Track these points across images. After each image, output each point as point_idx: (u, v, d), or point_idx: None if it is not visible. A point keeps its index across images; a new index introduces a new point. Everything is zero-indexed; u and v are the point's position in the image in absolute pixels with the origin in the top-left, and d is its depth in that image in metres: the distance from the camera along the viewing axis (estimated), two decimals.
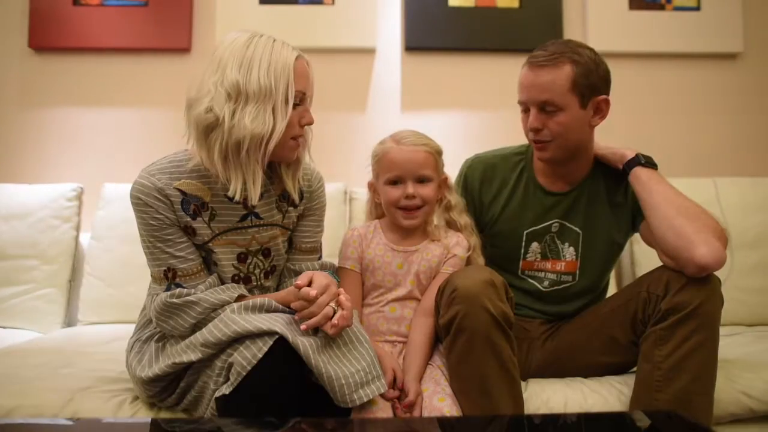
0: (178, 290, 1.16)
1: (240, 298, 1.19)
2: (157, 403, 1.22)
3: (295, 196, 1.29)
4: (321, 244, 1.39)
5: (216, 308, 1.15)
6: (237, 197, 1.16)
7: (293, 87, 1.14)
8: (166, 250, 1.17)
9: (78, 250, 1.99)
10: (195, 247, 1.21)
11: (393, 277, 1.39)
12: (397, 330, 1.39)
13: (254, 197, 1.17)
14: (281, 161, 1.24)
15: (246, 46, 1.14)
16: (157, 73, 2.24)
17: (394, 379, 1.24)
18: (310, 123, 1.21)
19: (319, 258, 1.38)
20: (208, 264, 1.24)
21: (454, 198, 1.44)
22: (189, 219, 1.18)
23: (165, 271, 1.18)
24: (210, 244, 1.21)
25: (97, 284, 1.92)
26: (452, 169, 1.49)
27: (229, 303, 1.16)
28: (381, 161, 1.39)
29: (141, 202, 1.16)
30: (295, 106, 1.16)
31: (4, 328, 1.86)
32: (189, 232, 1.20)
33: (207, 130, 1.13)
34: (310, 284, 1.12)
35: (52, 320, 1.90)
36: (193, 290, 1.17)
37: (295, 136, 1.19)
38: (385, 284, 1.40)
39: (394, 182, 1.37)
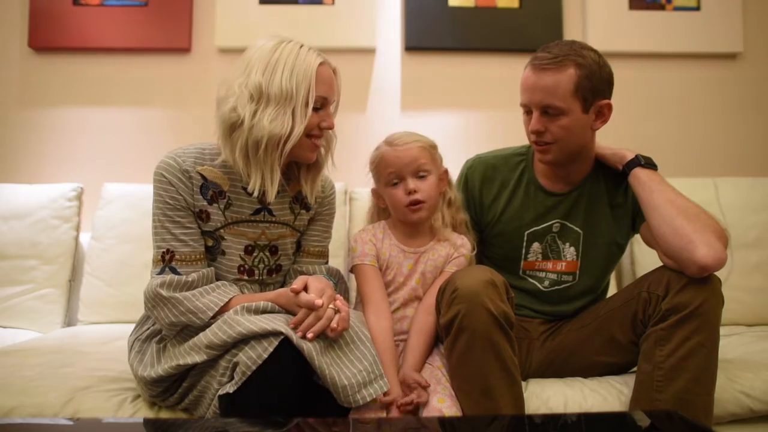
0: (168, 278, 1.17)
1: (230, 302, 1.18)
2: (158, 403, 1.23)
3: (312, 200, 1.32)
4: (328, 250, 1.41)
5: (197, 312, 1.15)
6: (255, 193, 1.20)
7: (314, 92, 1.18)
8: (172, 231, 1.20)
9: (78, 250, 1.99)
10: (202, 237, 1.23)
11: (402, 277, 1.40)
12: (399, 329, 1.39)
13: (271, 195, 1.20)
14: (301, 161, 1.27)
15: (273, 51, 1.18)
16: (157, 73, 2.24)
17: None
18: (330, 127, 1.25)
19: (326, 263, 1.40)
20: (216, 252, 1.25)
21: (453, 193, 1.46)
22: (205, 203, 1.22)
23: (164, 252, 1.20)
24: (221, 231, 1.24)
25: (97, 284, 1.92)
26: (452, 170, 1.49)
27: (212, 308, 1.15)
28: (378, 166, 1.41)
29: (165, 180, 1.20)
30: (316, 110, 1.20)
31: (4, 328, 1.86)
32: (203, 217, 1.23)
33: (231, 128, 1.18)
34: (305, 289, 1.13)
35: (52, 320, 1.90)
36: (185, 277, 1.18)
37: (313, 136, 1.22)
38: (395, 283, 1.40)
39: (395, 183, 1.38)
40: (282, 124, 1.16)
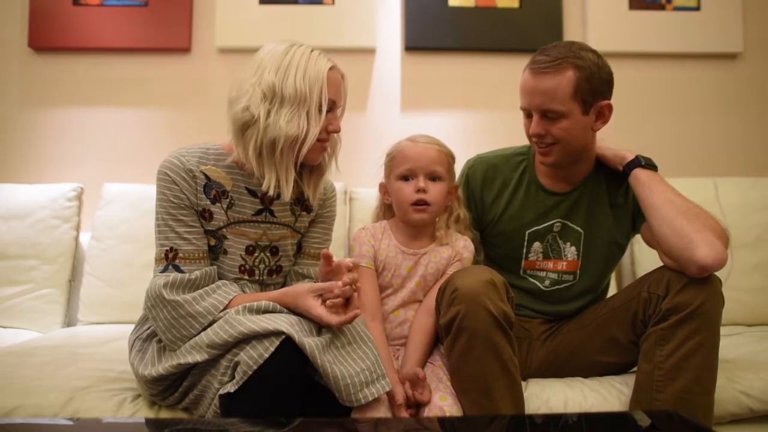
0: (172, 276, 1.17)
1: (230, 303, 1.19)
2: (159, 402, 1.23)
3: (314, 203, 1.34)
4: None
5: (196, 317, 1.15)
6: (271, 192, 1.21)
7: (326, 95, 1.20)
8: (176, 229, 1.21)
9: (78, 250, 1.99)
10: (205, 235, 1.24)
11: (400, 279, 1.40)
12: (400, 333, 1.39)
13: (287, 194, 1.22)
14: (307, 163, 1.29)
15: (285, 53, 1.21)
16: (157, 73, 2.24)
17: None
18: (337, 130, 1.27)
19: None
20: (218, 251, 1.26)
21: (462, 211, 1.45)
22: (208, 202, 1.23)
23: (167, 250, 1.20)
24: (224, 230, 1.25)
25: (97, 284, 1.92)
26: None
27: (212, 312, 1.15)
28: (394, 158, 1.41)
29: (169, 179, 1.21)
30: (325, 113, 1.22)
31: (4, 328, 1.85)
32: (206, 216, 1.24)
33: (243, 127, 1.20)
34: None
35: (52, 320, 1.90)
36: (188, 275, 1.18)
37: (321, 139, 1.24)
38: (392, 285, 1.40)
39: (406, 177, 1.38)
40: (298, 126, 1.17)
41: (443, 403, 1.20)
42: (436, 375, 1.28)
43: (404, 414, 1.19)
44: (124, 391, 1.27)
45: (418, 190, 1.36)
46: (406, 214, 1.39)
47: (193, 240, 1.21)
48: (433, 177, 1.37)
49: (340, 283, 1.13)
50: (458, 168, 1.51)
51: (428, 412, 1.19)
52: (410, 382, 1.23)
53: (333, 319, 1.12)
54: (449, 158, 1.41)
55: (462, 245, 1.42)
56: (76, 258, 1.98)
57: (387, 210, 1.49)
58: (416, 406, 1.22)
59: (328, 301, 1.14)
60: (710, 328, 1.20)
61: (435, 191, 1.37)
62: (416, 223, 1.39)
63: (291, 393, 1.07)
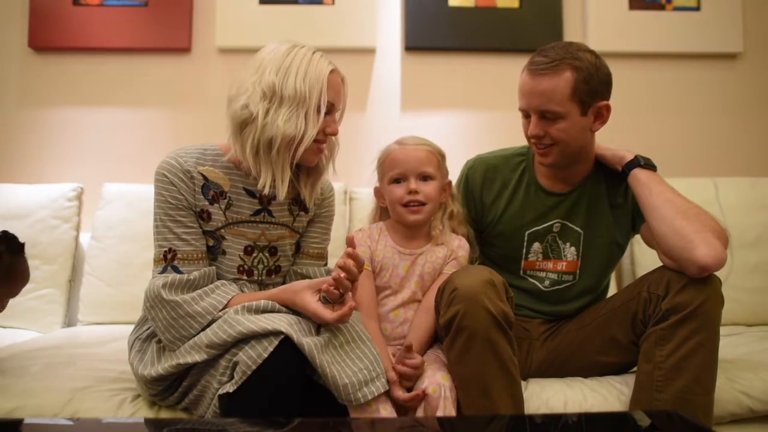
0: (171, 277, 1.17)
1: (229, 303, 1.19)
2: (158, 402, 1.23)
3: (310, 205, 1.34)
4: (327, 252, 1.42)
5: (195, 317, 1.15)
6: (266, 191, 1.21)
7: (325, 97, 1.20)
8: (174, 230, 1.21)
9: (78, 250, 1.99)
10: (203, 236, 1.24)
11: (399, 279, 1.41)
12: (400, 332, 1.40)
13: (281, 194, 1.22)
14: (303, 164, 1.29)
15: (286, 54, 1.21)
16: (157, 73, 2.24)
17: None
18: (335, 133, 1.27)
19: (325, 265, 1.41)
20: (217, 252, 1.26)
21: (456, 207, 1.46)
22: (206, 203, 1.24)
23: (166, 251, 1.21)
24: (222, 231, 1.25)
25: (97, 284, 1.92)
26: (453, 170, 1.49)
27: (211, 312, 1.16)
28: (384, 162, 1.42)
29: (167, 180, 1.21)
30: (324, 115, 1.22)
31: (4, 328, 1.85)
32: (204, 217, 1.24)
33: (242, 125, 1.20)
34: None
35: (52, 320, 1.90)
36: (187, 275, 1.18)
37: (318, 141, 1.24)
38: (391, 286, 1.41)
39: (397, 180, 1.40)
40: (296, 126, 1.18)
41: (444, 381, 1.21)
42: (440, 359, 1.31)
43: (399, 392, 1.20)
44: (124, 391, 1.27)
45: (410, 192, 1.37)
46: (401, 216, 1.40)
47: (191, 241, 1.22)
48: (423, 177, 1.39)
49: (330, 279, 1.13)
50: (455, 166, 1.51)
51: (428, 385, 1.21)
52: (401, 358, 1.24)
53: (328, 314, 1.12)
54: (438, 157, 1.43)
55: (457, 245, 1.43)
56: (76, 258, 1.98)
57: (383, 213, 1.50)
58: (412, 378, 1.24)
59: (321, 290, 1.14)
60: (710, 328, 1.20)
61: (427, 190, 1.38)
62: (412, 223, 1.40)
63: (290, 393, 1.07)
